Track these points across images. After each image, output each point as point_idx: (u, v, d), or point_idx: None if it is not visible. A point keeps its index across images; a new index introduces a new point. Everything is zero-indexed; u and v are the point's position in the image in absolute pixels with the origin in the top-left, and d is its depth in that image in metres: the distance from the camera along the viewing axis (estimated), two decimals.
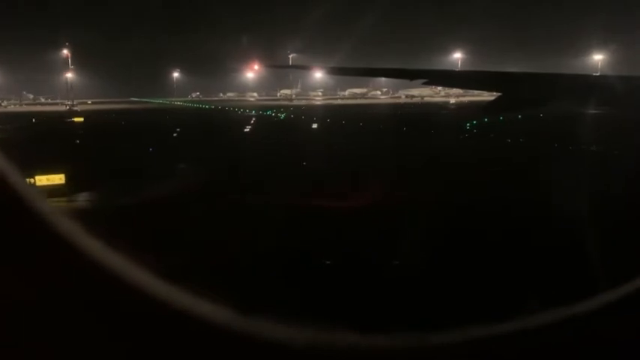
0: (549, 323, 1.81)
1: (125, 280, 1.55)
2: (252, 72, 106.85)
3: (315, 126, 37.05)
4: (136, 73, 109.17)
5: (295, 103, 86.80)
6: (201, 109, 68.88)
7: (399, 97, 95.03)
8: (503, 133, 27.21)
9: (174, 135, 30.46)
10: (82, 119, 46.94)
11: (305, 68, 56.22)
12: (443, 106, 64.87)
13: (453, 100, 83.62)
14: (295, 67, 61.73)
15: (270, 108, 65.63)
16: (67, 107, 69.50)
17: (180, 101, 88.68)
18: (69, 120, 46.08)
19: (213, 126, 36.98)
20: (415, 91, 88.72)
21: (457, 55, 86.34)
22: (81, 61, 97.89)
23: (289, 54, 67.57)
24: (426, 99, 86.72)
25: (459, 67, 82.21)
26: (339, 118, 43.59)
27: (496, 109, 25.46)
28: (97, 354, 1.50)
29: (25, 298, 1.45)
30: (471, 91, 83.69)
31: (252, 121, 42.07)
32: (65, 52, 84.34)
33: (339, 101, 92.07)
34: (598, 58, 74.16)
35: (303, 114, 51.81)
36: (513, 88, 22.03)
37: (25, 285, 1.46)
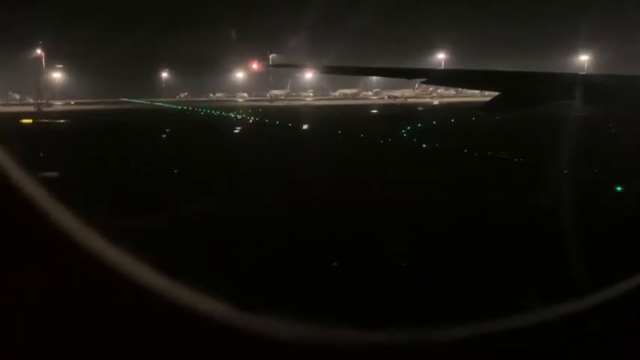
0: (540, 322, 1.91)
1: (123, 279, 1.54)
2: (245, 72, 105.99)
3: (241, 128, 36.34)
4: (128, 73, 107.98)
5: (275, 104, 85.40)
6: (172, 110, 67.57)
7: (383, 98, 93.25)
8: (430, 138, 25.83)
9: (87, 137, 29.41)
10: (30, 121, 45.85)
11: (299, 67, 55.21)
12: (414, 108, 62.90)
13: (436, 102, 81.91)
14: (289, 65, 60.94)
15: (245, 108, 64.54)
16: (37, 108, 68.73)
17: (161, 102, 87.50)
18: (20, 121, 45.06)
19: (144, 129, 35.47)
20: (397, 92, 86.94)
21: (447, 56, 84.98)
22: (70, 60, 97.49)
23: (269, 54, 66.27)
24: (410, 100, 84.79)
25: (442, 66, 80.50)
26: (294, 119, 42.08)
27: (493, 109, 24.22)
28: (97, 353, 1.49)
29: (25, 298, 1.45)
30: (464, 92, 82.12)
31: (197, 123, 41.34)
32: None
33: (324, 102, 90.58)
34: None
35: (265, 115, 50.30)
36: (512, 87, 20.67)
37: (25, 285, 1.45)
